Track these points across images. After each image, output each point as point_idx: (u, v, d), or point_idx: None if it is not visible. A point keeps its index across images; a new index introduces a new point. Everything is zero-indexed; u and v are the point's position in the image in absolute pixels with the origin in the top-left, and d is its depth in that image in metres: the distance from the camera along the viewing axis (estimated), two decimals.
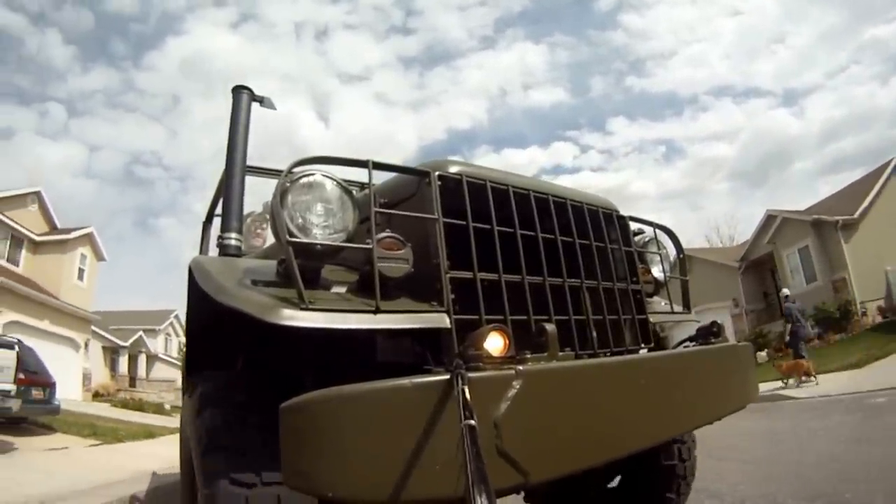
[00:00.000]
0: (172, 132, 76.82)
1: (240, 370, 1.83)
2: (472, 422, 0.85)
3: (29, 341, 10.52)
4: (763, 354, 15.12)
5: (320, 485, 0.92)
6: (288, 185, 1.22)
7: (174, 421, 13.83)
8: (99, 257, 21.00)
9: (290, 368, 1.53)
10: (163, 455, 8.52)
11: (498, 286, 1.40)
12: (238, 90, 2.48)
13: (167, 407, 18.90)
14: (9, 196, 17.16)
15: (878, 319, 14.79)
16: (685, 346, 1.89)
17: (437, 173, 1.41)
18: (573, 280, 1.60)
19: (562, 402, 1.14)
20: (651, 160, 74.38)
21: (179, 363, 21.48)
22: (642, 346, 1.76)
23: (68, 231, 19.27)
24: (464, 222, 1.40)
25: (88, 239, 20.09)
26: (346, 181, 1.34)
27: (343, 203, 1.29)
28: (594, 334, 1.60)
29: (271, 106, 2.63)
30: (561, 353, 1.32)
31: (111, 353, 25.13)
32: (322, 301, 1.14)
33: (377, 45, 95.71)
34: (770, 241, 19.05)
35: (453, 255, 1.34)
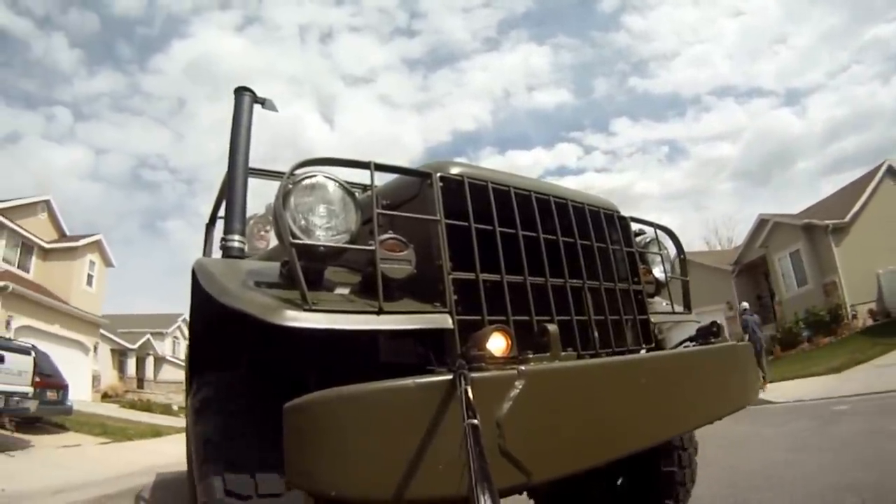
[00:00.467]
0: (179, 135, 77.24)
1: (242, 372, 1.84)
2: (475, 421, 0.85)
3: (40, 345, 10.77)
4: None
5: (323, 484, 0.92)
6: (290, 186, 1.22)
7: (181, 421, 13.96)
8: (107, 263, 21.32)
9: (294, 369, 1.53)
10: (169, 452, 8.73)
11: (500, 287, 1.40)
12: (240, 92, 2.46)
13: (175, 408, 19.05)
14: (19, 205, 17.45)
15: (869, 322, 14.75)
16: (685, 346, 1.89)
17: (438, 174, 1.41)
18: (575, 280, 1.60)
19: (564, 402, 1.14)
20: (655, 161, 74.22)
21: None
22: (643, 346, 1.76)
23: (77, 238, 19.62)
24: (466, 223, 1.40)
25: (97, 246, 20.42)
26: (348, 183, 1.34)
27: (346, 204, 1.29)
28: (596, 334, 1.60)
29: (273, 108, 2.60)
30: (563, 354, 1.32)
31: (119, 355, 25.41)
32: (325, 302, 1.15)
33: (382, 47, 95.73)
34: (762, 245, 18.99)
35: (455, 256, 1.34)
